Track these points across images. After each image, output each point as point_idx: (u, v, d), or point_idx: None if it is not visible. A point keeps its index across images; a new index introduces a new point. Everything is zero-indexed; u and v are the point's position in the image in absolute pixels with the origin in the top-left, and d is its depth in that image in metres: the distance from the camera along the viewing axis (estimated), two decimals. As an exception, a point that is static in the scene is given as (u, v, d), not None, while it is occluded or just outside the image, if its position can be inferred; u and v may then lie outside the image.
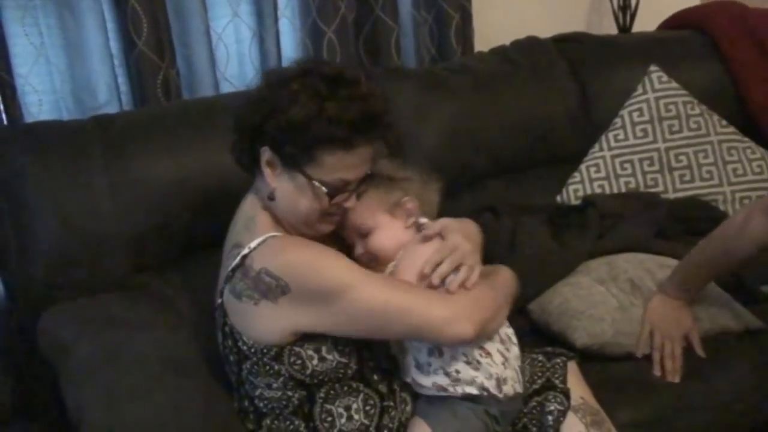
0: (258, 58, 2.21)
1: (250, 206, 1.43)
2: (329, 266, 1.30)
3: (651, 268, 1.86)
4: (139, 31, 1.95)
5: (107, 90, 2.00)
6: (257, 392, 1.39)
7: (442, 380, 1.36)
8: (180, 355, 1.49)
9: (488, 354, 1.37)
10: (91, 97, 2.00)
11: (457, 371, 1.36)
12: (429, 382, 1.37)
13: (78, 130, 1.77)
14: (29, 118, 1.95)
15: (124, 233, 1.71)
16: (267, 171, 1.35)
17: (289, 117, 1.29)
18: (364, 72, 2.01)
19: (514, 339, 1.45)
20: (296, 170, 1.33)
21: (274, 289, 1.29)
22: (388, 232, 1.45)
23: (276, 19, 2.17)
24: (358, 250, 1.46)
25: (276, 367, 1.35)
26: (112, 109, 2.00)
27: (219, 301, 1.40)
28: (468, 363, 1.36)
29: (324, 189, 1.32)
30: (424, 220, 1.47)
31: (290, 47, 2.25)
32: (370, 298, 1.28)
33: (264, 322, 1.33)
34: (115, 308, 1.62)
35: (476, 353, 1.36)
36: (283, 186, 1.35)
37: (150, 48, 1.97)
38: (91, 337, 1.52)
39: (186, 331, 1.58)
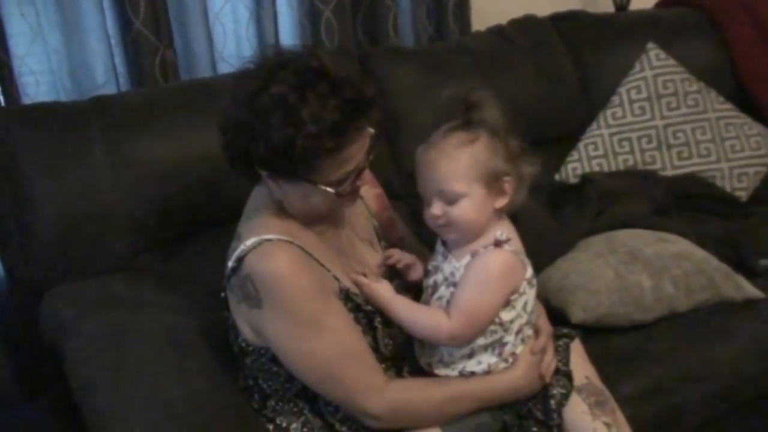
0: (255, 38, 2.20)
1: (257, 197, 1.42)
2: (304, 298, 1.28)
3: (649, 241, 1.88)
4: (137, 10, 1.94)
5: (105, 70, 2.00)
6: (260, 375, 1.39)
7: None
8: (184, 335, 1.50)
9: (514, 357, 1.38)
10: (88, 78, 1.99)
11: (473, 373, 1.36)
12: (444, 373, 1.38)
13: (77, 111, 1.76)
14: (26, 99, 1.95)
15: (125, 214, 1.71)
16: (270, 183, 1.32)
17: (270, 143, 1.23)
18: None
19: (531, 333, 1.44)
20: (298, 180, 1.29)
21: (251, 298, 1.29)
22: (478, 205, 1.31)
23: (273, -1, 2.17)
24: (436, 210, 1.32)
25: (274, 369, 1.36)
26: (110, 89, 2.00)
27: (223, 295, 1.40)
28: (489, 368, 1.36)
29: (330, 189, 1.29)
30: (503, 235, 1.34)
31: (288, 27, 2.23)
32: (321, 347, 1.29)
33: (251, 325, 1.34)
34: (118, 289, 1.62)
35: (503, 363, 1.37)
36: (290, 193, 1.32)
37: (147, 28, 1.96)
38: (95, 318, 1.53)
39: (189, 311, 1.58)
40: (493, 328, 1.34)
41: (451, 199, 1.31)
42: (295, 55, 1.29)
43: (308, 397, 1.37)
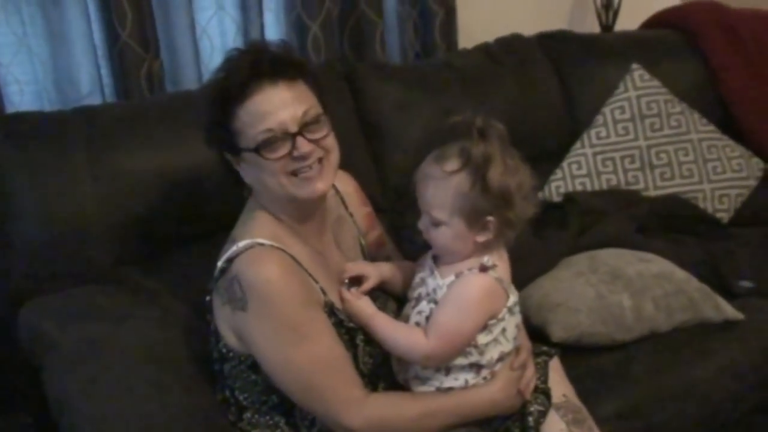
0: (242, 52, 2.21)
1: (251, 204, 1.43)
2: (291, 305, 1.29)
3: (631, 260, 1.89)
4: (124, 22, 1.94)
5: (90, 81, 1.99)
6: (238, 384, 1.39)
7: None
8: (162, 348, 1.49)
9: (493, 376, 1.38)
10: (73, 89, 1.99)
11: (451, 388, 1.36)
12: (422, 389, 1.38)
13: (61, 121, 1.76)
14: (10, 108, 1.94)
15: (107, 226, 1.70)
16: (239, 170, 1.37)
17: (205, 101, 1.36)
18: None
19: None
20: (237, 153, 1.34)
21: (237, 300, 1.30)
22: (456, 236, 1.33)
23: (261, 13, 2.17)
24: (421, 225, 1.37)
25: (253, 377, 1.36)
26: (95, 100, 1.99)
27: (207, 298, 1.40)
28: (467, 384, 1.36)
29: (257, 155, 1.30)
30: (490, 261, 1.34)
31: (275, 41, 2.24)
32: (306, 356, 1.29)
33: (234, 328, 1.34)
34: (98, 300, 1.61)
35: (481, 378, 1.37)
36: (247, 174, 1.37)
37: (134, 40, 1.96)
38: (74, 330, 1.52)
39: (169, 323, 1.57)
40: (468, 349, 1.34)
41: (434, 223, 1.34)
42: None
43: (284, 411, 1.37)
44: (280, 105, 1.31)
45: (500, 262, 1.37)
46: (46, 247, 1.68)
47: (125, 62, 1.98)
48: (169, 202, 1.75)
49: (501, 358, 1.37)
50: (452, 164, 1.31)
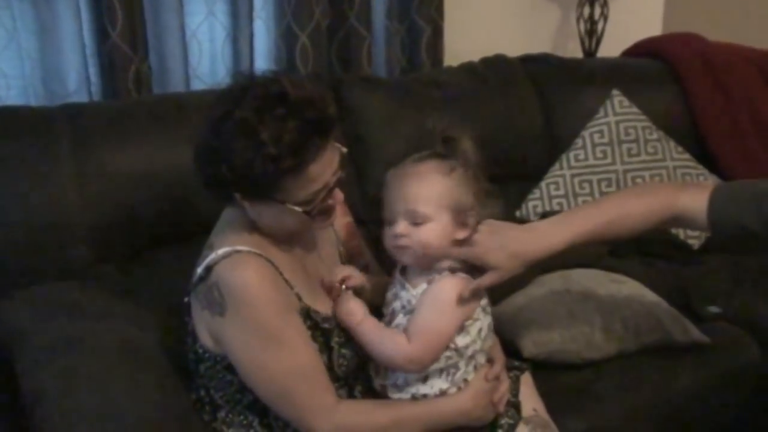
0: (230, 58, 2.23)
1: (231, 211, 1.43)
2: (267, 311, 1.30)
3: (603, 281, 1.93)
4: (114, 22, 1.95)
5: (77, 79, 2.00)
6: (213, 383, 1.40)
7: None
8: (139, 346, 1.49)
9: (466, 384, 1.40)
10: (60, 85, 1.99)
11: (425, 396, 1.38)
12: (397, 396, 1.40)
13: (46, 117, 1.77)
14: (-5, 102, 1.94)
15: (89, 224, 1.71)
16: (245, 204, 1.35)
17: (232, 165, 1.26)
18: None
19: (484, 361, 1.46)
20: (268, 200, 1.31)
21: (215, 305, 1.31)
22: (443, 231, 1.34)
23: (251, 20, 2.19)
24: (400, 229, 1.34)
25: (228, 377, 1.37)
26: (81, 98, 2.00)
27: (186, 300, 1.41)
28: (441, 393, 1.39)
29: (299, 209, 1.31)
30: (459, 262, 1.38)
31: (263, 49, 2.26)
32: (281, 361, 1.31)
33: (211, 332, 1.35)
34: (76, 296, 1.61)
35: (454, 389, 1.39)
36: (263, 214, 1.35)
37: (124, 40, 1.97)
38: (50, 324, 1.51)
39: (146, 322, 1.57)
40: (448, 353, 1.36)
41: (417, 221, 1.34)
42: (259, 79, 1.33)
43: (259, 410, 1.39)
44: (327, 165, 1.31)
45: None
46: (25, 241, 1.68)
47: (113, 62, 2.00)
48: (151, 201, 1.76)
49: (472, 356, 1.39)
50: (441, 164, 1.35)
